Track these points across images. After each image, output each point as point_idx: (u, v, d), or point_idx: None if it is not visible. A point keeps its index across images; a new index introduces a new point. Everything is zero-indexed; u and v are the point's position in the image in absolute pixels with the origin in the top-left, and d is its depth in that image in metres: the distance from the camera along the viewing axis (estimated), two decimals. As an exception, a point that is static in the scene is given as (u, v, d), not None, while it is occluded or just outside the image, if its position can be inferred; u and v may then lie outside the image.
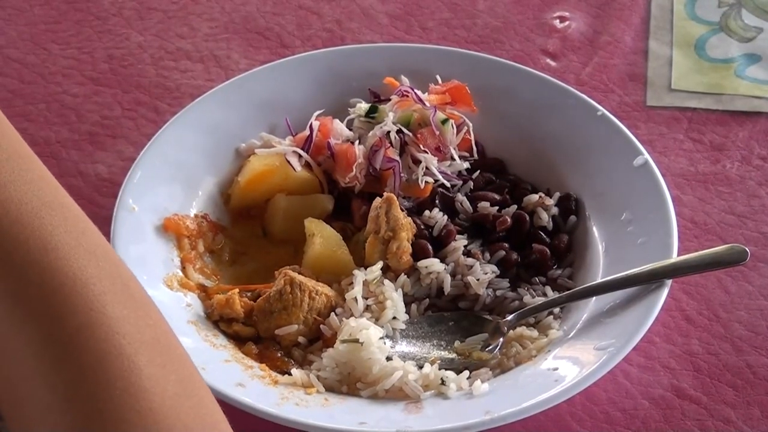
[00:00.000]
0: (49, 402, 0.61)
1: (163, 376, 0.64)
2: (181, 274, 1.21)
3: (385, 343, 1.14)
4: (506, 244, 1.24)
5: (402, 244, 1.20)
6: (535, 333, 1.17)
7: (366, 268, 1.20)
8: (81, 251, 0.64)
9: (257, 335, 1.18)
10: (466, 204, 1.27)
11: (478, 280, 1.20)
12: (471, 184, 1.30)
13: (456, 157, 1.31)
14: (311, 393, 1.11)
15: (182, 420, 0.63)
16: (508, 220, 1.25)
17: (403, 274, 1.21)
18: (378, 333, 1.13)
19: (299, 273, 1.19)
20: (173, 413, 0.63)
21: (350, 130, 1.33)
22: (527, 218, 1.25)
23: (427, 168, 1.28)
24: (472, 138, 1.33)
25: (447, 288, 1.20)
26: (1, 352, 0.62)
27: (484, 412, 1.06)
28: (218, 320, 1.18)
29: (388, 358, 1.13)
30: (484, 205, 1.27)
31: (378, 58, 1.40)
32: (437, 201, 1.27)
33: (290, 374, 1.13)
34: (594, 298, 1.18)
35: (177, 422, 0.63)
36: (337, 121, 1.33)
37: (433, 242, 1.23)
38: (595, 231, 1.25)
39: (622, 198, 1.25)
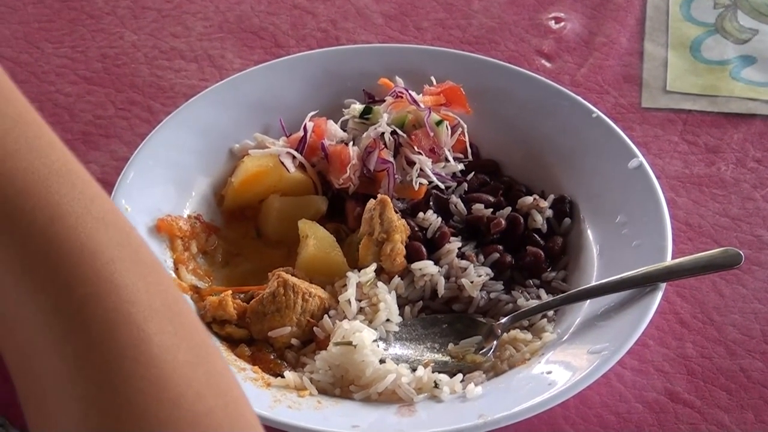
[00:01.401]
0: (60, 372, 0.61)
1: (174, 344, 0.63)
2: (173, 275, 1.21)
3: (378, 346, 1.14)
4: (500, 247, 1.23)
5: (396, 246, 1.20)
6: (528, 336, 1.17)
7: (359, 270, 1.20)
8: (89, 219, 0.63)
9: (250, 337, 1.18)
10: (461, 206, 1.27)
11: (472, 282, 1.19)
12: (465, 185, 1.30)
13: (450, 158, 1.30)
14: (304, 395, 1.11)
15: (194, 387, 0.62)
16: (503, 222, 1.24)
17: (396, 276, 1.20)
18: (371, 335, 1.13)
19: (292, 275, 1.19)
20: (184, 381, 0.62)
21: (344, 131, 1.32)
22: (521, 220, 1.25)
23: (421, 169, 1.27)
24: (467, 139, 1.32)
25: (441, 290, 1.20)
26: (11, 322, 0.62)
27: (477, 415, 1.06)
28: (211, 322, 1.18)
29: (382, 361, 1.12)
30: (478, 207, 1.26)
31: (373, 59, 1.39)
32: (431, 203, 1.27)
33: (283, 377, 1.13)
34: (588, 301, 1.17)
35: (188, 390, 0.62)
36: (331, 122, 1.32)
37: (427, 244, 1.23)
38: (590, 233, 1.25)
39: (617, 200, 1.25)
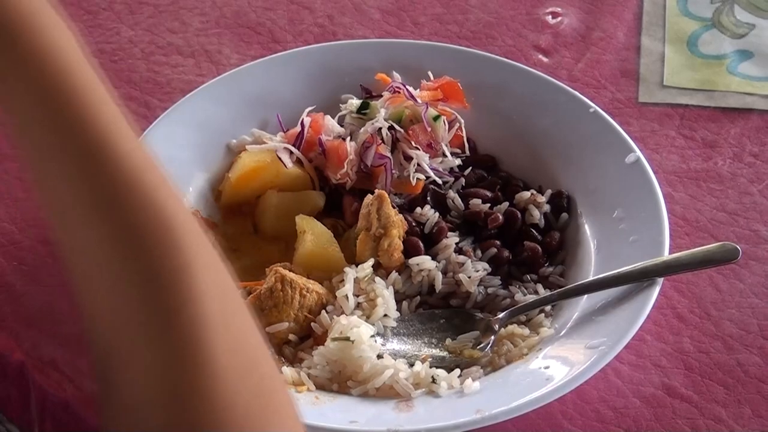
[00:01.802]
0: (144, 335, 0.66)
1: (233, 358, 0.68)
2: (171, 271, 1.21)
3: (376, 341, 1.14)
4: (498, 242, 1.23)
5: (393, 241, 1.20)
6: (526, 331, 1.17)
7: (357, 266, 1.20)
8: (192, 232, 0.69)
9: (248, 333, 1.17)
10: (458, 201, 1.27)
11: (469, 277, 1.20)
12: (463, 180, 1.30)
13: (448, 153, 1.30)
14: (302, 391, 1.11)
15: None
16: (500, 217, 1.24)
17: (394, 271, 1.20)
18: (369, 331, 1.13)
19: (290, 270, 1.19)
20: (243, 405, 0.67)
21: (342, 126, 1.32)
22: (519, 216, 1.25)
23: (418, 165, 1.27)
24: (464, 134, 1.32)
25: (438, 285, 1.20)
26: (107, 288, 0.66)
27: (475, 410, 1.06)
28: (209, 318, 1.18)
29: (379, 356, 1.12)
30: (475, 202, 1.26)
31: (370, 54, 1.39)
32: (429, 198, 1.27)
33: (281, 372, 1.13)
34: (585, 296, 1.17)
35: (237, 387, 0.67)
36: (328, 117, 1.32)
37: (424, 239, 1.23)
38: (587, 228, 1.25)
39: (614, 195, 1.25)
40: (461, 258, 1.21)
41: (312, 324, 1.16)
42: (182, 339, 0.66)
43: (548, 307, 1.19)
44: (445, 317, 1.19)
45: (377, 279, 1.19)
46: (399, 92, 1.32)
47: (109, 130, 0.67)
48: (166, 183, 0.68)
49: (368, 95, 1.36)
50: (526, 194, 1.27)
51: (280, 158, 1.28)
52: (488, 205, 1.26)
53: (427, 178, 1.28)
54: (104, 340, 0.67)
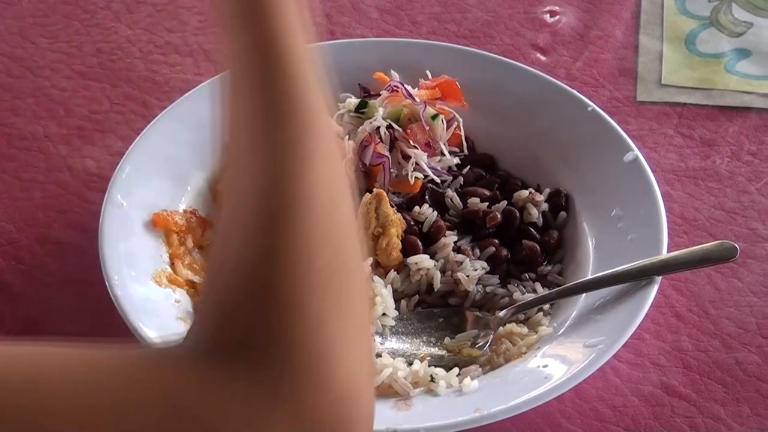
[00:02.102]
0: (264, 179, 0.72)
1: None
2: (169, 270, 1.21)
3: (374, 340, 1.14)
4: (496, 241, 1.24)
5: (392, 240, 1.20)
6: (525, 330, 1.17)
7: (356, 265, 1.20)
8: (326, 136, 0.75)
9: (246, 332, 1.17)
10: (456, 200, 1.27)
11: (467, 276, 1.20)
12: (461, 179, 1.30)
13: (446, 152, 1.30)
14: (300, 390, 1.10)
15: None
16: (498, 216, 1.25)
17: (392, 270, 1.20)
18: (367, 330, 1.13)
19: (289, 269, 1.18)
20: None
21: (340, 125, 1.32)
22: (517, 214, 1.25)
23: (416, 163, 1.28)
24: (462, 133, 1.32)
25: (437, 284, 1.20)
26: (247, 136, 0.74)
27: (473, 409, 1.06)
28: (207, 317, 1.17)
29: (378, 355, 1.13)
30: (474, 201, 1.26)
31: (368, 53, 1.39)
32: (427, 197, 1.27)
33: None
34: (584, 294, 1.17)
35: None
36: (326, 116, 1.32)
37: (422, 238, 1.23)
38: (585, 227, 1.25)
39: (612, 194, 1.25)
40: (460, 257, 1.21)
41: (310, 323, 1.16)
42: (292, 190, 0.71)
43: (547, 306, 1.19)
44: (443, 316, 1.19)
45: (376, 278, 1.19)
46: (397, 91, 1.32)
47: (291, 39, 0.76)
48: (319, 92, 0.77)
49: (366, 94, 1.36)
50: (525, 193, 1.27)
51: (278, 157, 1.28)
52: (486, 203, 1.26)
53: (426, 176, 1.28)
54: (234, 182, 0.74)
